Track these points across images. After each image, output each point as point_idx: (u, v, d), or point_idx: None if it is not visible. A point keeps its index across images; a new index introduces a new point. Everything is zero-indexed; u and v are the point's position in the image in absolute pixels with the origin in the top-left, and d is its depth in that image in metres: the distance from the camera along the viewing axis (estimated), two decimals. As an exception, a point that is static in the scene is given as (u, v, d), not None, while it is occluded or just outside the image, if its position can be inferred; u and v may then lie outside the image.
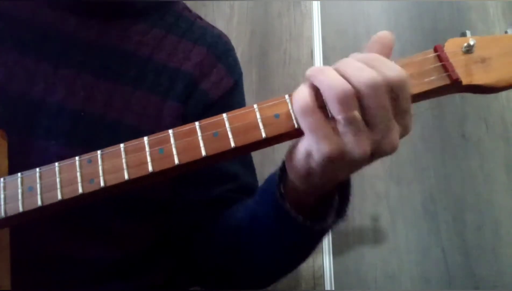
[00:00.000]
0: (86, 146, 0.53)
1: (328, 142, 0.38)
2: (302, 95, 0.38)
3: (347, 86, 0.37)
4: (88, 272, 0.55)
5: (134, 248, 0.59)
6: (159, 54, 0.62)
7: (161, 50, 0.62)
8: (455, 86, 0.41)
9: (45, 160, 0.43)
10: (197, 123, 0.41)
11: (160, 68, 0.61)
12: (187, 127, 0.41)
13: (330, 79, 0.37)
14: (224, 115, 0.41)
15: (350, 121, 0.37)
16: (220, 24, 1.27)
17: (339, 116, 0.37)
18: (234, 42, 0.71)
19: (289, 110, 0.40)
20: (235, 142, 0.40)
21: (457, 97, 1.10)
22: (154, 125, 0.58)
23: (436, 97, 0.42)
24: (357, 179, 1.06)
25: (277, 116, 0.40)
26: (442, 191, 1.05)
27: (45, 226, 0.51)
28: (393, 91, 0.38)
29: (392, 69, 0.38)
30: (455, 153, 1.07)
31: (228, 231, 0.57)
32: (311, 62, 1.23)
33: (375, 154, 0.39)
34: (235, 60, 0.70)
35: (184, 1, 0.69)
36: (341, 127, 0.38)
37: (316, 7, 1.26)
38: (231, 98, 0.66)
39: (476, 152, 1.06)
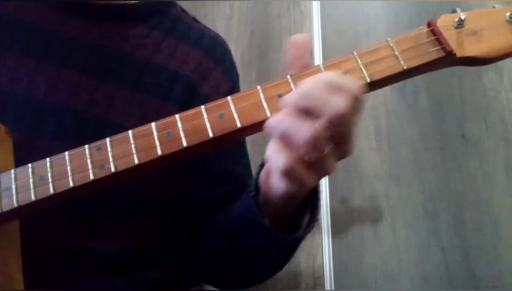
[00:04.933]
0: None
1: (310, 181, 0.38)
2: (280, 155, 0.37)
3: (314, 131, 0.36)
4: (93, 265, 0.56)
5: (139, 243, 0.60)
6: (158, 57, 0.62)
7: (160, 53, 0.63)
8: (449, 58, 0.42)
9: None
10: (202, 106, 0.41)
11: (158, 71, 0.61)
12: (193, 111, 0.41)
13: (295, 131, 0.36)
14: (229, 97, 0.41)
15: (323, 160, 0.37)
16: (220, 24, 1.26)
17: (310, 158, 0.37)
18: (234, 42, 0.72)
19: (291, 90, 0.40)
20: (241, 122, 0.40)
21: (457, 97, 1.10)
22: None
23: (431, 71, 0.43)
24: (357, 178, 1.07)
25: (280, 96, 0.40)
26: (442, 191, 1.05)
27: (52, 220, 0.52)
28: (357, 107, 0.38)
29: (355, 85, 0.38)
30: (455, 153, 1.07)
31: (219, 233, 0.58)
32: (311, 62, 1.22)
33: (339, 160, 0.39)
34: (232, 63, 0.71)
35: (184, 1, 0.69)
36: (314, 165, 0.38)
37: (316, 7, 1.26)
38: None
39: (476, 152, 1.06)
